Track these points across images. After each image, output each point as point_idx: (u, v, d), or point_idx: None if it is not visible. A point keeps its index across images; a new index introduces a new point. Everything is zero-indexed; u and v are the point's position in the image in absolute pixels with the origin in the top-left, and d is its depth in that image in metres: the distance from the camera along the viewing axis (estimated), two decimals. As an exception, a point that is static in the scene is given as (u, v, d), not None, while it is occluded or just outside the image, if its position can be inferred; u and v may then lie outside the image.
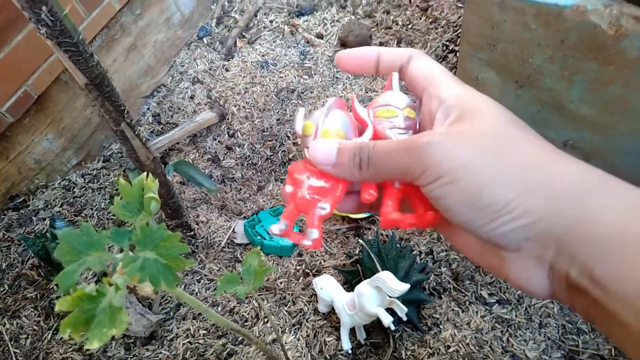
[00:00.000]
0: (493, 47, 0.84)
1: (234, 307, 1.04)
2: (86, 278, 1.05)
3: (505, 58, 0.85)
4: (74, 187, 1.28)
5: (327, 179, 0.31)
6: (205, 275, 1.10)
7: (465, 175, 0.26)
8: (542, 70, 0.82)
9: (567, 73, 0.80)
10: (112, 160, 1.36)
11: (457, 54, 1.29)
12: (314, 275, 1.07)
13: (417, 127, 0.31)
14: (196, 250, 1.15)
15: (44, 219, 1.19)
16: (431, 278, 1.02)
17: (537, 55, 0.80)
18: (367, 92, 1.34)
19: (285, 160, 1.29)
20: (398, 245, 1.06)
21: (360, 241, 1.07)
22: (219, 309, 1.04)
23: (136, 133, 0.81)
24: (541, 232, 0.25)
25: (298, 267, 1.12)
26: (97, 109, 0.74)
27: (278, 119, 1.35)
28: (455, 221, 0.27)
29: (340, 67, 0.33)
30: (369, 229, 1.16)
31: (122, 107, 0.76)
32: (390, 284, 0.80)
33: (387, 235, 1.13)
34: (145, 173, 0.58)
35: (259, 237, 1.14)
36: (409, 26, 1.41)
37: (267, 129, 1.34)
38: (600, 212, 0.24)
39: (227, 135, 1.36)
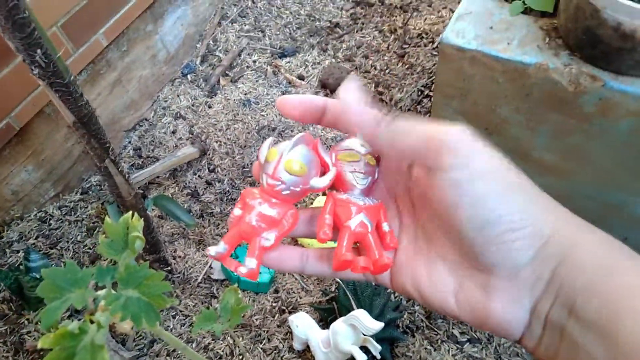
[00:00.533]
0: (464, 97, 0.90)
1: (208, 343, 1.04)
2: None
3: (475, 107, 0.90)
4: (50, 219, 1.27)
5: (279, 210, 0.31)
6: (180, 311, 1.10)
7: (495, 172, 0.25)
8: (509, 120, 0.88)
9: (532, 123, 0.85)
10: (90, 192, 1.36)
11: (431, 100, 1.35)
12: (290, 312, 1.08)
13: (376, 176, 0.32)
14: (172, 285, 1.14)
15: (18, 252, 1.18)
16: (405, 316, 1.04)
17: (504, 106, 0.86)
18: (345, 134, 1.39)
19: (264, 197, 1.31)
20: (373, 283, 1.08)
21: (337, 279, 1.09)
22: (194, 345, 1.03)
23: (119, 169, 0.83)
24: (543, 257, 0.25)
25: (274, 304, 1.12)
26: (83, 145, 0.75)
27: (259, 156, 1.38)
28: (471, 222, 0.25)
29: (283, 112, 0.31)
30: (345, 266, 1.18)
31: (107, 145, 0.78)
32: (365, 322, 0.82)
33: (362, 273, 1.15)
34: (130, 212, 0.60)
35: (235, 273, 1.15)
36: (387, 71, 1.48)
37: (247, 165, 1.37)
38: (585, 245, 0.25)
39: (207, 170, 1.38)
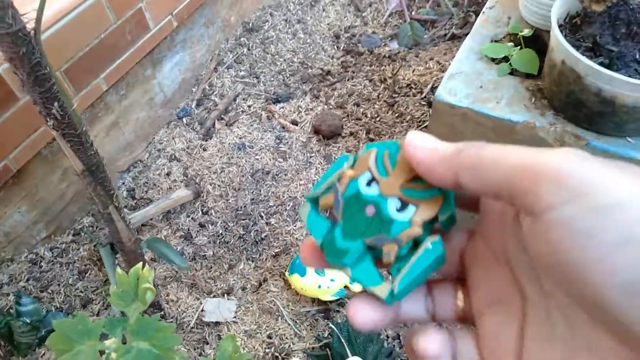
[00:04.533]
0: (455, 150, 0.94)
1: (201, 391, 1.02)
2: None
3: (466, 160, 0.94)
4: (41, 261, 1.26)
5: None
6: (172, 357, 1.09)
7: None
8: (499, 173, 0.92)
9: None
10: (82, 234, 1.35)
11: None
12: (283, 359, 1.08)
13: None
14: (165, 329, 1.14)
15: (8, 295, 1.16)
16: (398, 363, 1.05)
17: (494, 159, 0.90)
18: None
19: (257, 240, 1.33)
20: (366, 329, 1.09)
21: (331, 325, 1.10)
22: (186, 393, 1.02)
23: (122, 216, 0.84)
24: None
25: (267, 350, 1.12)
26: (89, 192, 0.77)
27: (252, 199, 1.40)
28: (624, 286, 0.16)
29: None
30: (338, 311, 1.19)
31: (112, 192, 0.79)
32: (362, 370, 0.83)
33: (355, 318, 1.16)
34: (141, 264, 0.61)
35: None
36: (377, 119, 1.53)
37: (241, 207, 1.39)
38: None
39: (200, 212, 1.40)
